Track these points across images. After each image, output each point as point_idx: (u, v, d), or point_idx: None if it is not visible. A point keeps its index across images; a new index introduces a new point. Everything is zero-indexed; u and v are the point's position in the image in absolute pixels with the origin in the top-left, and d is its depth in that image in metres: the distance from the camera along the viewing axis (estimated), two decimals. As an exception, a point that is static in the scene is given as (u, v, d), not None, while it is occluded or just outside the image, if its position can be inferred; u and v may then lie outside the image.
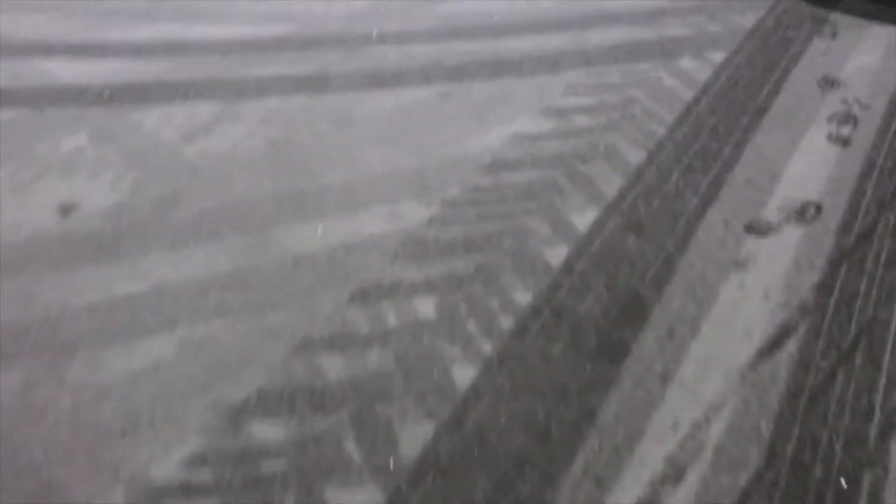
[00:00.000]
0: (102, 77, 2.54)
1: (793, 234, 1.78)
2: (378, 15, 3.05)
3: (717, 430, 1.32)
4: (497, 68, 2.60)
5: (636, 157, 2.10)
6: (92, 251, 1.78)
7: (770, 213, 1.85)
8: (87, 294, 1.64)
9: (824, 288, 1.63)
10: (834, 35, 2.80)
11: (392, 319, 1.57)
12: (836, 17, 2.97)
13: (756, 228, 1.80)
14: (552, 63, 2.64)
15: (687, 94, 2.41)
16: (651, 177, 2.00)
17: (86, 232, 1.83)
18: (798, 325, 1.54)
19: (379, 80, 2.53)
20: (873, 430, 1.34)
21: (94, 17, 3.05)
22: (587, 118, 2.29)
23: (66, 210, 1.90)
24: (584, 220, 1.84)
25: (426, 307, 1.59)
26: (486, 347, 1.50)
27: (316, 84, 2.50)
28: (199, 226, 1.84)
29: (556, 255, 1.73)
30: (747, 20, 2.98)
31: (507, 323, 1.55)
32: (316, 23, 2.97)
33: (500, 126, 2.26)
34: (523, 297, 1.61)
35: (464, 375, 1.44)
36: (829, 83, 2.45)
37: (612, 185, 1.98)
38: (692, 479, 1.24)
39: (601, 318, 1.56)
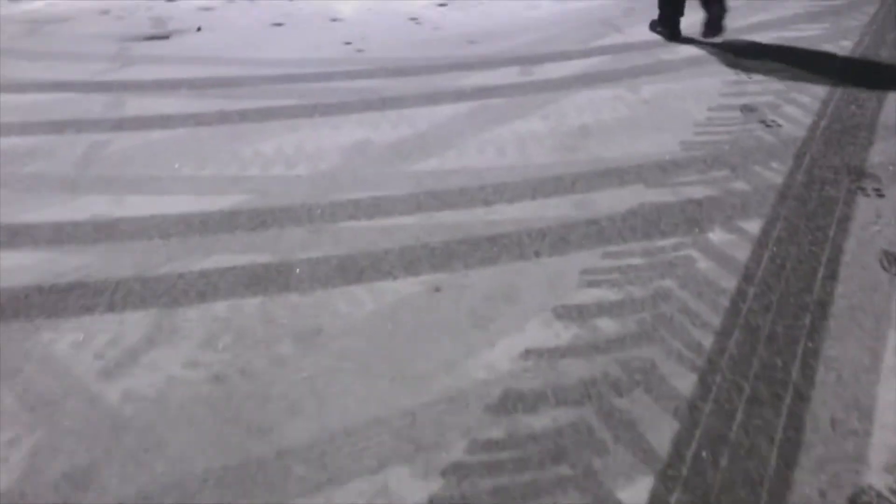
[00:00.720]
0: (6, 278, 2.16)
1: (914, 512, 1.41)
2: (348, 175, 2.75)
3: None
4: (494, 249, 2.28)
5: (684, 382, 1.75)
6: (-43, 578, 1.33)
7: (876, 476, 1.49)
8: None
9: None
10: (880, 192, 2.56)
11: None
12: (876, 165, 2.75)
13: (865, 504, 1.42)
14: (559, 240, 2.33)
15: (728, 283, 2.11)
16: (710, 417, 1.64)
17: (-48, 544, 1.39)
18: None
19: (353, 269, 2.19)
20: None
21: (9, 188, 2.70)
22: (613, 323, 1.95)
23: (-71, 505, 1.46)
24: (636, 495, 1.46)
25: None
26: None
27: (275, 279, 2.14)
28: (114, 528, 1.41)
29: (608, 561, 1.33)
30: (774, 174, 2.75)
31: None
32: (275, 189, 2.65)
33: (508, 337, 1.91)
34: None
35: None
36: (894, 262, 2.17)
37: (662, 431, 1.61)
38: None
39: None
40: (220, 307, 2.03)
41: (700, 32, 4.33)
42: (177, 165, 2.82)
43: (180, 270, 2.19)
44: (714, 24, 4.23)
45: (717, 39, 4.37)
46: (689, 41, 4.39)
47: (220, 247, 2.31)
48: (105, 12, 4.95)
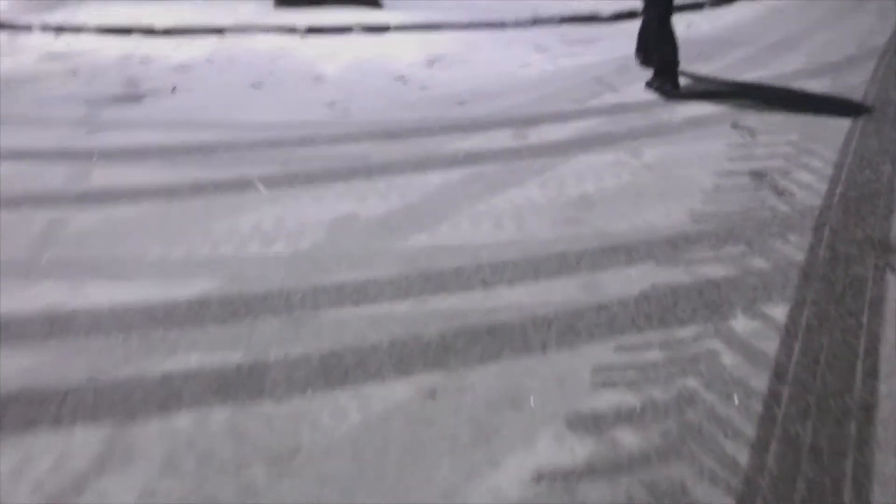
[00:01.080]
0: (-61, 387, 1.92)
1: None
2: (332, 254, 2.56)
3: None
4: (496, 342, 2.08)
5: (721, 510, 1.53)
6: None
7: None
8: None
9: None
10: (911, 272, 2.39)
11: None
12: (900, 241, 2.60)
13: None
14: (567, 329, 2.14)
15: (759, 382, 1.91)
16: (756, 558, 1.42)
17: None
18: None
19: (337, 369, 1.98)
20: None
21: (-46, 272, 2.48)
22: (635, 435, 1.74)
23: None
24: None
25: None
26: None
27: (247, 383, 1.92)
28: None
29: None
30: (794, 250, 2.59)
31: None
32: (250, 271, 2.45)
33: (515, 454, 1.69)
34: None
35: None
36: (939, 356, 1.98)
37: (702, 578, 1.38)
38: None
39: None
40: (184, 421, 1.80)
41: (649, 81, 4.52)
42: (143, 246, 2.62)
43: (140, 373, 1.96)
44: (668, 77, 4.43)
45: (713, 94, 4.29)
46: (687, 97, 4.29)
47: (186, 343, 2.09)
48: (75, 73, 4.80)
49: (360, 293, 2.33)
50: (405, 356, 2.03)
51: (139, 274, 2.45)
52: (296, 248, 2.62)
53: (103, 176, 3.22)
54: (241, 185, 3.12)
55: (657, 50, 4.40)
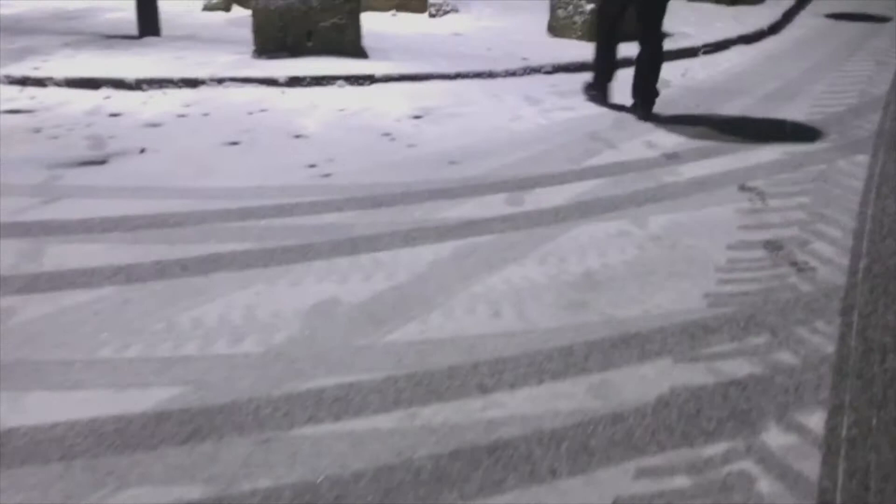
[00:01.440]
0: None
1: None
2: (309, 353, 2.32)
3: None
4: (498, 468, 1.85)
5: None
6: None
7: None
8: None
9: None
10: (958, 370, 2.17)
11: None
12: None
13: None
14: (580, 449, 1.90)
15: (804, 518, 1.67)
16: None
17: None
18: None
19: (312, 506, 1.71)
20: None
21: None
22: None
23: None
24: None
25: None
26: None
27: (208, 527, 1.65)
28: None
29: None
30: (823, 340, 2.38)
31: None
32: (214, 376, 2.20)
33: None
34: None
35: None
36: None
37: None
38: None
39: None
40: (129, 584, 1.53)
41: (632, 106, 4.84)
42: (95, 344, 2.35)
43: (81, 517, 1.69)
44: (643, 105, 4.77)
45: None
46: (689, 159, 4.11)
47: (137, 474, 1.83)
48: (37, 130, 4.56)
49: (341, 404, 2.08)
50: (393, 489, 1.78)
51: (89, 381, 2.19)
52: (268, 344, 2.37)
53: (57, 254, 2.96)
54: (210, 265, 2.87)
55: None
